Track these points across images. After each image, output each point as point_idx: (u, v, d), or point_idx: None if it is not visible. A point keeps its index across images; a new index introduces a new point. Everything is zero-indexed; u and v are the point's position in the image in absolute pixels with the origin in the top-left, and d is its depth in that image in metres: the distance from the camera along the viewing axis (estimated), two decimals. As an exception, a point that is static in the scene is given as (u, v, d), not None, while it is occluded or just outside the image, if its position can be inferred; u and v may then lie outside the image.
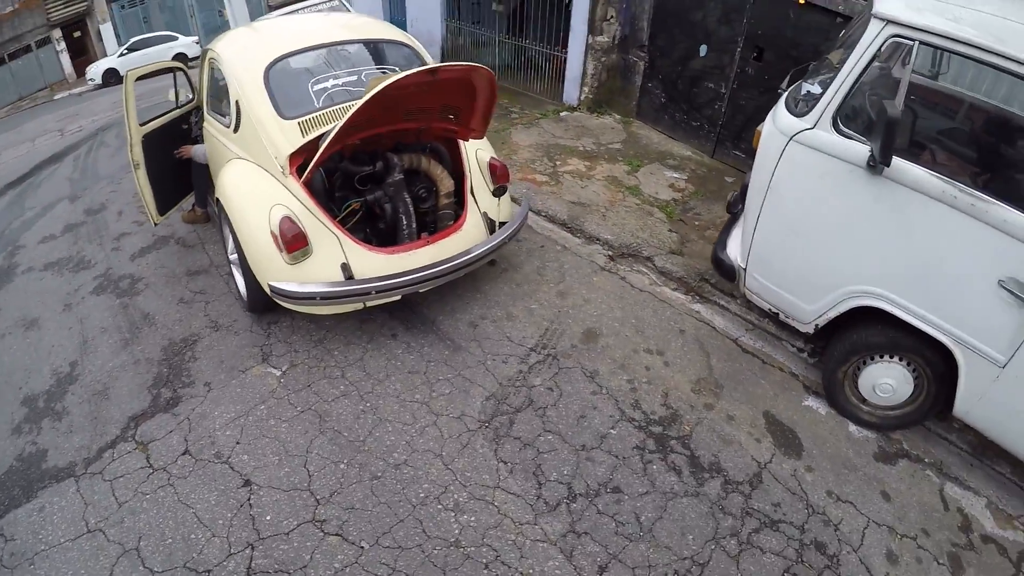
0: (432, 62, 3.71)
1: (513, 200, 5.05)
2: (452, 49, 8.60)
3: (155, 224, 4.55)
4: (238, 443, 3.07)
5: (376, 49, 4.13)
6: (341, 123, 2.86)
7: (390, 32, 4.20)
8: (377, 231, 3.74)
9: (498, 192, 3.82)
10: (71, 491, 2.85)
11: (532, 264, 4.42)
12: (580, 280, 4.26)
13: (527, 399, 3.27)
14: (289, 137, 3.35)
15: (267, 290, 3.35)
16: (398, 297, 3.47)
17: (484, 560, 2.48)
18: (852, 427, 3.16)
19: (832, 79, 2.59)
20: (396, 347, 3.65)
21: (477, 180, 3.90)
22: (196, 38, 20.91)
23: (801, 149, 2.71)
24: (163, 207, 4.51)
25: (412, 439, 3.03)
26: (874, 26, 2.43)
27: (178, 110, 4.45)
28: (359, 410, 3.22)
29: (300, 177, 3.32)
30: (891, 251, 2.60)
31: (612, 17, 6.19)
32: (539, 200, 5.26)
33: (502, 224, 3.85)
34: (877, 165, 2.41)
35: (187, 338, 3.85)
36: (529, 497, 2.73)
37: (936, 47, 2.35)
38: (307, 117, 3.44)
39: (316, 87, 3.64)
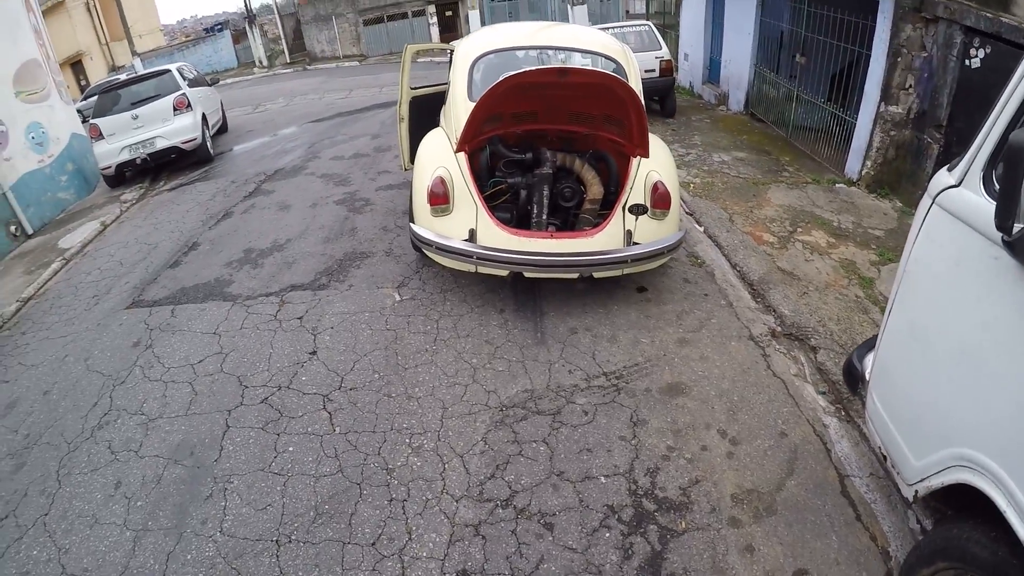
0: (637, 84, 4.10)
1: (714, 242, 5.05)
2: (757, 96, 8.58)
3: (404, 169, 6.02)
4: (332, 328, 4.10)
5: (582, 59, 4.70)
6: (475, 105, 3.53)
7: (605, 47, 4.70)
8: (518, 214, 4.32)
9: (634, 210, 3.92)
10: (225, 308, 4.32)
11: (679, 306, 4.34)
12: (715, 339, 3.98)
13: (556, 409, 3.41)
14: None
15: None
16: (504, 273, 4.00)
17: (393, 496, 2.89)
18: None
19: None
20: (494, 319, 4.19)
21: (636, 198, 4.09)
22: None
23: (942, 216, 1.97)
24: (414, 158, 5.90)
25: (438, 386, 3.56)
26: None
27: (445, 85, 5.78)
28: (423, 348, 3.90)
29: (468, 151, 4.13)
30: None
31: (910, 86, 5.39)
32: (742, 255, 5.02)
33: (635, 244, 3.98)
34: (1009, 241, 1.59)
35: (365, 253, 5.13)
36: (475, 479, 2.97)
37: None
38: None
39: None
